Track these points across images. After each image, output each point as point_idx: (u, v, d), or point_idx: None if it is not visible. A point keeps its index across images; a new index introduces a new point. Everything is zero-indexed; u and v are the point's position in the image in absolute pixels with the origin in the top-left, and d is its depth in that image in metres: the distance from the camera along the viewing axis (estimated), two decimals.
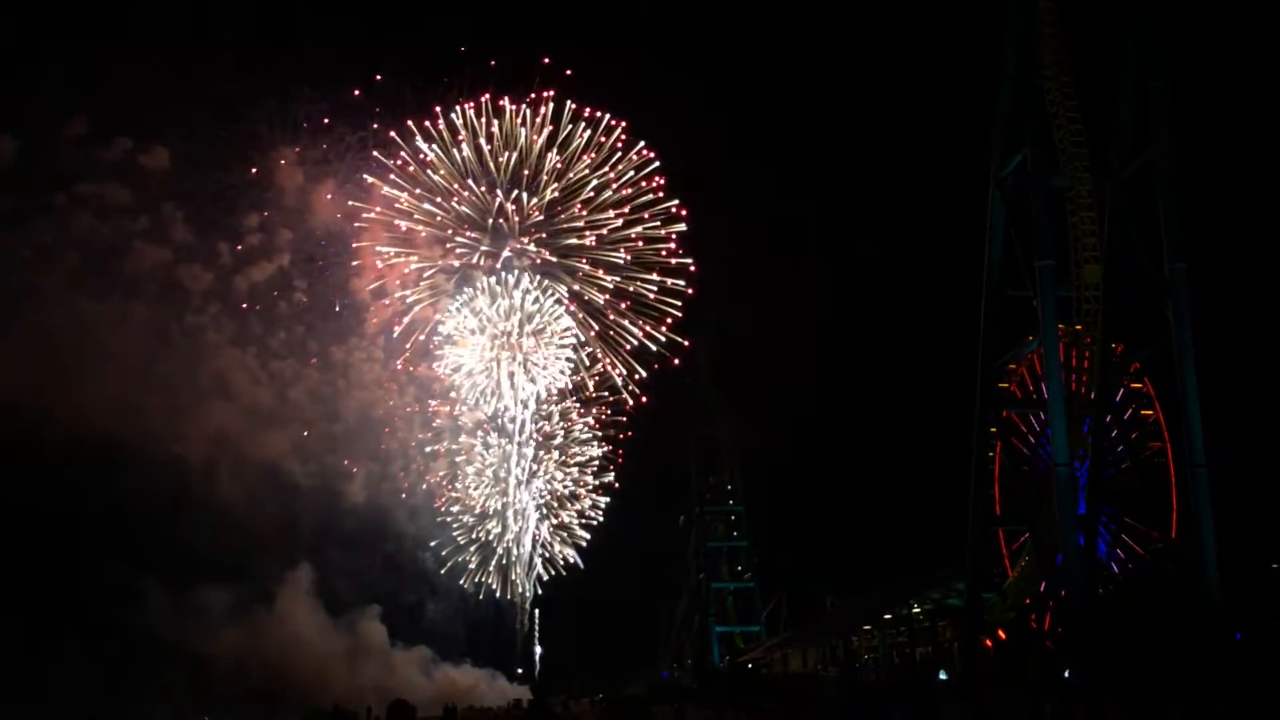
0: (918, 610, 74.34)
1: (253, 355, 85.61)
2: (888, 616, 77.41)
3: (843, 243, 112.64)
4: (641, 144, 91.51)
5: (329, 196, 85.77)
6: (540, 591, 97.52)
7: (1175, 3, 54.73)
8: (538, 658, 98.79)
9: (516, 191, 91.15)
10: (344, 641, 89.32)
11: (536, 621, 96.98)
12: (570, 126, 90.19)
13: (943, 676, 64.08)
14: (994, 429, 63.59)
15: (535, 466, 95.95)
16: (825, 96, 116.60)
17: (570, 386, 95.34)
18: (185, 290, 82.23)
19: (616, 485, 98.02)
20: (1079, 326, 56.97)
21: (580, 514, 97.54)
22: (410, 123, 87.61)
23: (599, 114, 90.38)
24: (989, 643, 62.44)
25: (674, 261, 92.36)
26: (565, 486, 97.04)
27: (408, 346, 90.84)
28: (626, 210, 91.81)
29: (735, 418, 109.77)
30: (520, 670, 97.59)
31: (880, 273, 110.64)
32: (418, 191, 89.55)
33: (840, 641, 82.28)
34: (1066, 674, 50.23)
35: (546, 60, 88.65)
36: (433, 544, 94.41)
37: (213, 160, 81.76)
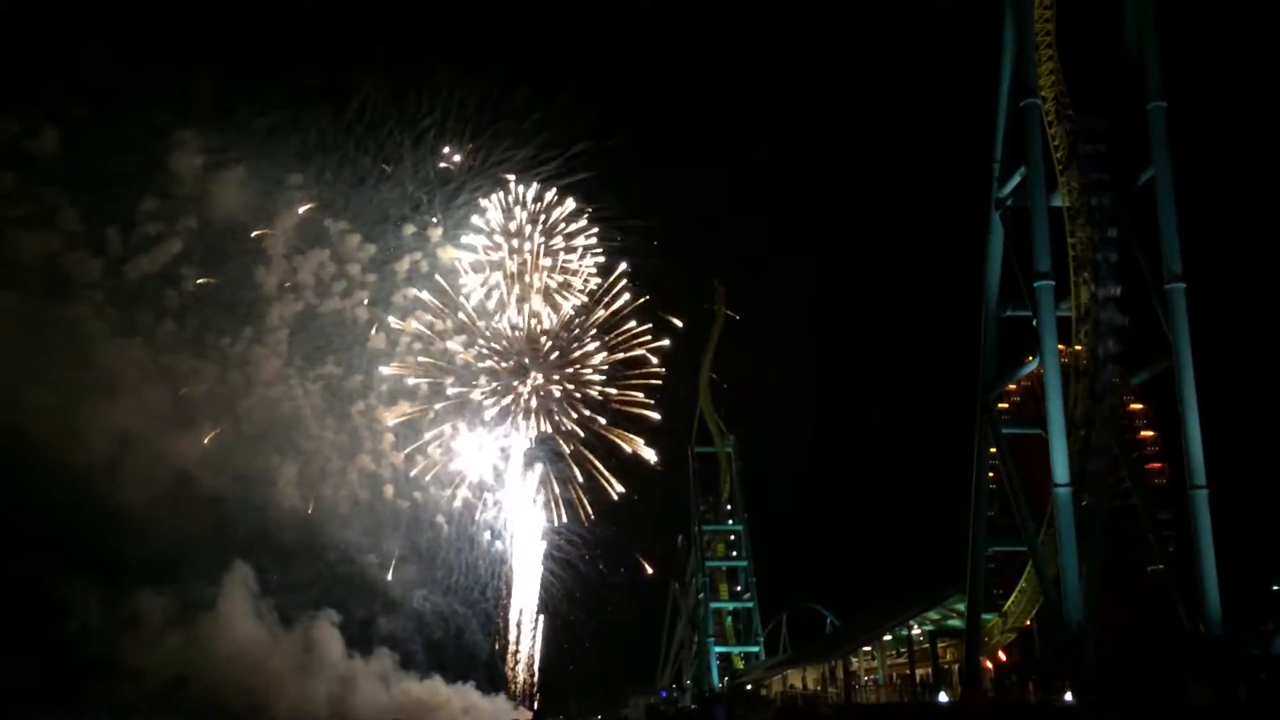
0: (917, 631, 73.97)
1: (140, 347, 78.99)
2: (887, 637, 76.89)
3: (843, 261, 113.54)
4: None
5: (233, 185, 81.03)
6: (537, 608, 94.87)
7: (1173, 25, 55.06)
8: (536, 676, 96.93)
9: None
10: (295, 650, 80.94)
11: (537, 638, 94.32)
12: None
13: (943, 698, 63.69)
14: (994, 449, 63.44)
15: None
16: (825, 120, 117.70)
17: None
18: (70, 280, 76.52)
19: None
20: (1078, 347, 56.87)
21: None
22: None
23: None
24: (989, 664, 62.02)
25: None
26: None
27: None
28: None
29: (735, 437, 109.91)
30: (515, 683, 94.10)
31: (881, 292, 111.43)
32: None
33: (839, 662, 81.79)
34: (1068, 696, 49.94)
35: None
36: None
37: (105, 144, 75.54)
